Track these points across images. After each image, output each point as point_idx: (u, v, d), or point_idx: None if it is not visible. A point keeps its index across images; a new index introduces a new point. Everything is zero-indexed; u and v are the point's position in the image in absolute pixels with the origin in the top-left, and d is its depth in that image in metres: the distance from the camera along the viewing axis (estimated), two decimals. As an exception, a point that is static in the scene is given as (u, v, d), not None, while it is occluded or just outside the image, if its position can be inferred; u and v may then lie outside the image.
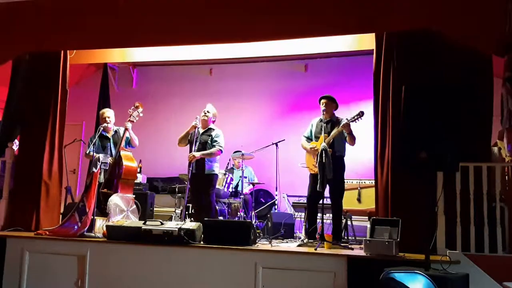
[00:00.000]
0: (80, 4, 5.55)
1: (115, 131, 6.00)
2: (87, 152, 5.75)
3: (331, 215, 5.40)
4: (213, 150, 5.77)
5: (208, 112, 5.94)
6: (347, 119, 5.23)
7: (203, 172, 5.76)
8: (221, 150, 5.84)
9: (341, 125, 5.22)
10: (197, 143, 5.83)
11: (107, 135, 5.96)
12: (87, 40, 5.66)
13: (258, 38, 5.58)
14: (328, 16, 4.96)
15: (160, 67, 8.94)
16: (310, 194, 5.33)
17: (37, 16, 5.68)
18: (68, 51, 6.05)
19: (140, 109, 5.89)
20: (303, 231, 5.95)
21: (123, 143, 5.77)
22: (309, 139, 5.59)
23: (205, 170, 5.78)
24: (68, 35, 5.64)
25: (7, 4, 5.65)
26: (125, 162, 5.64)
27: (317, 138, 5.43)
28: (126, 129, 5.80)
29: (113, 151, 5.83)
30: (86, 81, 8.96)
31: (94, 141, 5.59)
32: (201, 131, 5.93)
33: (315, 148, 5.25)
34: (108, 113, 6.05)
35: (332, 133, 5.26)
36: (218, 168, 6.01)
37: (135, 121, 5.88)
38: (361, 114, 5.18)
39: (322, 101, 5.44)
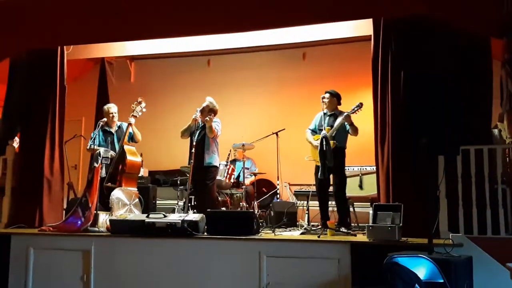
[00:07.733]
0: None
1: (119, 126, 6.01)
2: (88, 148, 5.74)
3: (333, 202, 5.43)
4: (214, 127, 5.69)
5: (205, 109, 5.84)
6: (347, 112, 5.28)
7: (202, 164, 5.73)
8: (217, 132, 5.79)
9: (342, 117, 5.26)
10: (198, 136, 5.79)
11: (111, 130, 5.96)
12: (83, 34, 5.63)
13: (255, 27, 5.56)
14: (325, 2, 4.92)
15: (158, 60, 8.90)
16: (319, 183, 5.35)
17: (31, 13, 5.64)
18: (64, 47, 6.04)
19: (143, 104, 5.90)
20: (305, 219, 5.97)
21: (126, 138, 5.77)
22: (314, 131, 5.62)
23: (204, 163, 5.74)
24: (63, 31, 5.61)
25: (1, 3, 5.62)
26: (129, 157, 5.64)
27: (321, 130, 5.43)
28: (129, 124, 5.79)
29: (117, 146, 5.82)
30: (84, 77, 8.92)
31: (93, 137, 5.59)
32: (201, 124, 5.85)
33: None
34: (114, 109, 6.07)
35: (335, 126, 5.31)
36: (217, 160, 5.98)
37: (138, 116, 5.88)
38: (360, 105, 5.29)
39: (326, 95, 5.51)
